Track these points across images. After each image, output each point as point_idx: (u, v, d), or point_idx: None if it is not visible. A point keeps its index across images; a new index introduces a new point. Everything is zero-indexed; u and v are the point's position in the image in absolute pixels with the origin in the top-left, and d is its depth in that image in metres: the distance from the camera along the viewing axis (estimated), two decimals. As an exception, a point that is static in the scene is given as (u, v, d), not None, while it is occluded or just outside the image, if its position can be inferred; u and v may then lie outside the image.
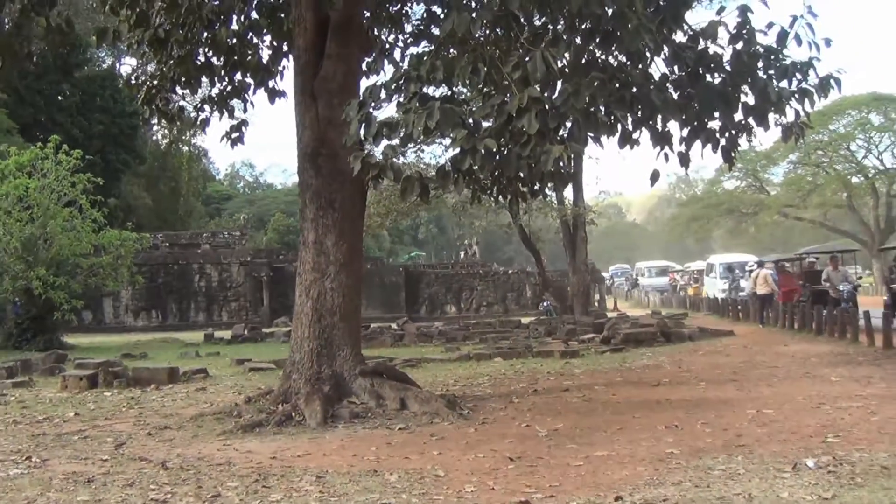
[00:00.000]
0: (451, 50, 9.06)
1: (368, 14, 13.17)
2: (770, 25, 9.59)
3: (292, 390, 11.55)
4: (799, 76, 9.78)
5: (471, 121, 8.87)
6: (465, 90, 11.02)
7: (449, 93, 9.81)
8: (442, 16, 9.72)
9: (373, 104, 9.10)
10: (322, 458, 9.01)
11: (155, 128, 56.38)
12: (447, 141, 13.39)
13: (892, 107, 52.02)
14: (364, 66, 12.64)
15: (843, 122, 52.39)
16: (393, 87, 9.19)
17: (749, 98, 10.01)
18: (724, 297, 36.78)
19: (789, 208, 54.99)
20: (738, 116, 10.17)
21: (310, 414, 10.90)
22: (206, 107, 14.44)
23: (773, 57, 9.84)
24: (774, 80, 9.85)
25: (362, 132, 9.09)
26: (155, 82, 13.73)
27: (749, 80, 9.92)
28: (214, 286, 38.56)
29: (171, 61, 13.20)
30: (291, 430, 10.60)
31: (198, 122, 14.81)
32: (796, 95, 9.81)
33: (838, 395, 12.22)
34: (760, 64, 9.88)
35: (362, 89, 10.24)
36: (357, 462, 8.77)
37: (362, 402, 11.45)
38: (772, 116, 10.05)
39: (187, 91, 15.01)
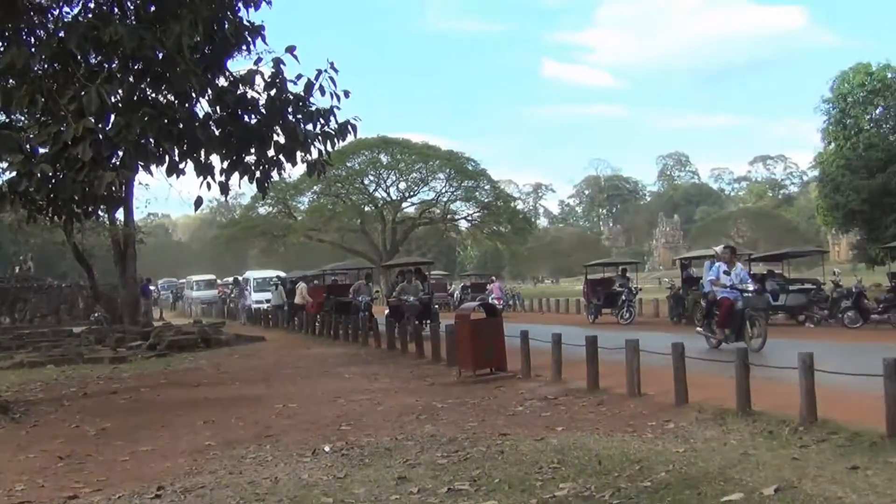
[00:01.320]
0: (10, 80, 8.90)
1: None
2: (299, 76, 10.27)
3: None
4: (322, 121, 10.50)
5: (28, 147, 8.88)
6: (22, 118, 10.92)
7: (7, 120, 9.70)
8: (1, 48, 9.55)
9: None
10: None
11: None
12: (4, 164, 12.99)
13: (397, 149, 58.12)
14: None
15: (359, 160, 57.30)
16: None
17: (280, 137, 10.66)
18: (258, 308, 38.36)
19: (313, 231, 58.62)
20: (271, 153, 10.78)
21: None
22: None
23: (301, 103, 10.53)
24: (302, 124, 10.57)
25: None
26: None
27: (280, 122, 10.56)
28: None
29: None
30: None
31: None
32: (320, 137, 10.59)
33: (351, 390, 13.52)
34: (290, 109, 10.56)
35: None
36: None
37: None
38: (299, 154, 10.76)
39: None
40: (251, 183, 10.96)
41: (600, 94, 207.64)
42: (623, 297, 27.82)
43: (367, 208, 59.61)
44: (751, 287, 16.60)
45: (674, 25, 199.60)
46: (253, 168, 10.85)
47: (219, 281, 56.92)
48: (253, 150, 10.71)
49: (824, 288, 24.35)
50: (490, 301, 24.51)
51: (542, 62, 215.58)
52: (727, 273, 16.38)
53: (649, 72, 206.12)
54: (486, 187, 61.61)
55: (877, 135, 38.14)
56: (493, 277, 44.52)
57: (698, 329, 17.66)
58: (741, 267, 17.36)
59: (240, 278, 46.96)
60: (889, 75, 38.68)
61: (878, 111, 39.25)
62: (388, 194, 59.96)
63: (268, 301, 37.78)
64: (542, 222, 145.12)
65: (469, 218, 62.62)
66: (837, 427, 7.86)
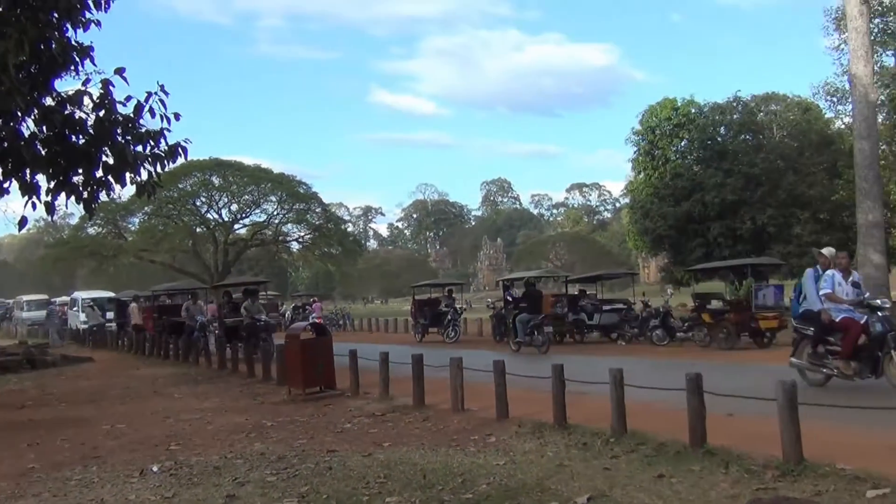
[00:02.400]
0: None
1: None
2: (129, 98, 10.04)
3: None
4: (152, 142, 10.27)
5: None
6: None
7: None
8: None
9: None
10: None
11: None
12: None
13: (229, 171, 56.94)
14: None
15: (190, 182, 55.59)
16: None
17: (109, 158, 10.35)
18: (87, 328, 36.65)
19: (144, 252, 56.39)
20: (99, 173, 10.45)
21: None
22: None
23: (130, 125, 10.25)
24: (131, 145, 10.28)
25: None
26: None
27: (109, 143, 10.24)
28: None
29: None
30: None
31: None
32: (150, 158, 10.34)
33: (181, 409, 13.27)
34: (119, 130, 10.26)
35: None
36: None
37: None
38: (128, 175, 10.46)
39: None
40: (78, 203, 10.65)
41: (426, 122, 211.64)
42: (449, 317, 28.32)
43: (198, 229, 58.01)
44: (886, 304, 12.03)
45: (495, 58, 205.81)
46: (80, 188, 10.54)
47: (58, 300, 54.06)
48: (80, 171, 10.41)
49: (634, 308, 25.65)
50: (311, 320, 24.42)
51: (371, 89, 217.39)
52: (842, 284, 11.96)
53: (472, 101, 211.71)
54: (318, 210, 61.23)
55: (682, 165, 39.91)
56: (315, 298, 44.21)
57: (795, 360, 12.62)
58: (858, 275, 12.80)
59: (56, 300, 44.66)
60: (693, 110, 40.65)
61: (683, 143, 40.99)
62: (220, 216, 58.53)
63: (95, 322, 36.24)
64: (372, 244, 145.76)
65: (300, 240, 61.99)
66: (645, 438, 8.30)
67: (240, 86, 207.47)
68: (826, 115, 41.50)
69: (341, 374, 14.44)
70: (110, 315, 37.16)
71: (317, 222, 60.27)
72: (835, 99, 39.05)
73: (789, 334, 21.31)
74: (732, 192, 37.39)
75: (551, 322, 24.20)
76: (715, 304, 22.37)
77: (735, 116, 41.25)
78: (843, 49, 36.82)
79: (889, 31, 37.00)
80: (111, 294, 41.77)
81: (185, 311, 26.16)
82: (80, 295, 44.62)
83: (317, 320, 27.85)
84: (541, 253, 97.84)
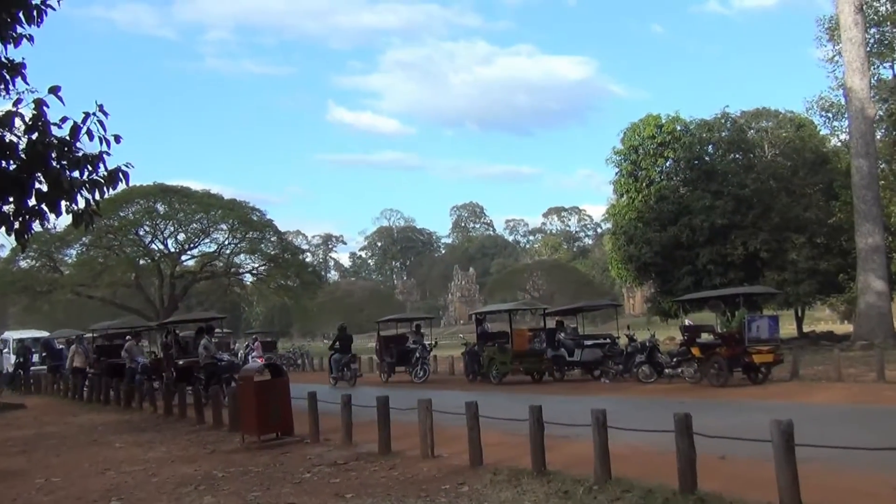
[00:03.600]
0: None
1: None
2: (64, 119, 9.77)
3: None
4: (90, 167, 10.03)
5: None
6: None
7: None
8: None
9: None
10: None
11: None
12: None
13: (176, 197, 56.70)
14: None
15: (133, 210, 55.31)
16: None
17: (43, 185, 10.12)
18: (18, 372, 36.09)
19: (82, 287, 55.85)
20: (32, 202, 10.18)
21: None
22: None
23: (66, 148, 10.00)
24: (67, 170, 10.03)
25: None
26: None
27: (43, 168, 10.00)
28: None
29: None
30: None
31: None
32: (87, 185, 10.09)
33: (123, 460, 13.14)
34: (54, 154, 10.01)
35: None
36: None
37: None
38: (63, 203, 10.22)
39: None
40: (9, 235, 10.37)
41: (390, 141, 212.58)
42: (417, 354, 28.28)
43: (142, 261, 57.66)
44: None
45: (462, 71, 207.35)
46: (11, 218, 10.32)
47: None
48: (11, 199, 10.23)
49: (619, 342, 25.76)
50: (251, 360, 24.26)
51: (329, 107, 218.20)
52: None
53: (439, 118, 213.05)
54: (273, 239, 61.21)
55: (668, 187, 40.06)
56: (256, 336, 43.72)
57: None
58: None
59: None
60: (678, 127, 40.92)
61: (668, 163, 41.17)
62: (166, 246, 58.30)
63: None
64: (333, 276, 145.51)
65: (254, 271, 61.87)
66: (631, 485, 8.32)
67: (186, 105, 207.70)
68: (821, 132, 42.25)
69: (300, 418, 14.36)
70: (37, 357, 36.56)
71: (272, 252, 60.12)
72: (830, 114, 39.82)
73: (786, 369, 21.65)
74: (722, 216, 37.74)
75: (528, 359, 24.32)
76: (705, 337, 22.54)
77: (724, 134, 41.74)
78: (837, 61, 37.54)
79: (886, 42, 37.66)
80: (44, 333, 41.16)
81: (126, 353, 25.83)
82: (12, 335, 43.96)
83: (258, 360, 27.74)
84: (517, 283, 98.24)
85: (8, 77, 9.98)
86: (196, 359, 21.96)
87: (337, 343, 29.32)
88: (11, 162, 10.18)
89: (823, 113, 40.35)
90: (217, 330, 28.56)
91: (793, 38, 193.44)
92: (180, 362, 22.59)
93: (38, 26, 10.21)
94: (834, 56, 38.63)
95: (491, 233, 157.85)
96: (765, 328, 21.43)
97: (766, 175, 39.35)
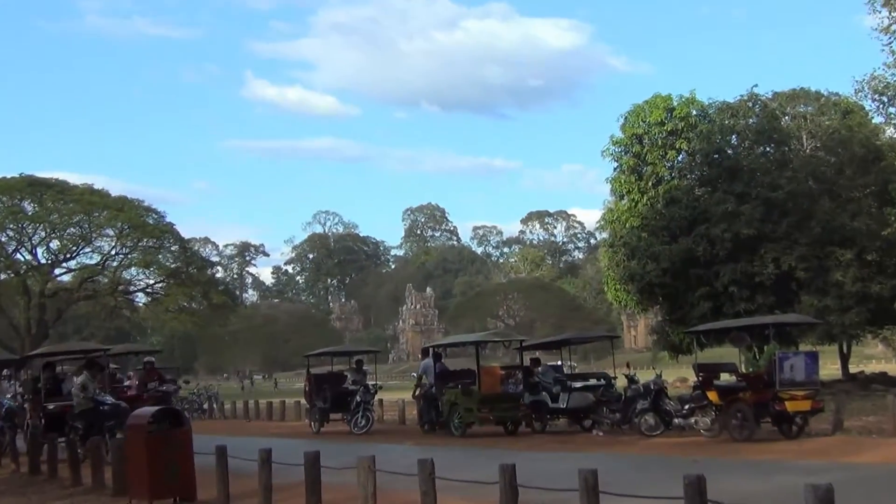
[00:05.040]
0: None
1: None
2: None
3: None
4: None
5: None
6: None
7: None
8: None
9: None
10: None
11: None
12: None
13: (48, 194, 55.96)
14: None
15: (-10, 209, 54.75)
16: None
17: None
18: None
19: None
20: None
21: None
22: None
23: None
24: None
25: None
26: None
27: None
28: None
29: None
30: None
31: None
32: None
33: None
34: None
35: None
36: None
37: None
38: None
39: None
40: None
41: (325, 124, 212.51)
42: (358, 398, 28.17)
43: (3, 275, 57.11)
44: None
45: (417, 38, 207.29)
46: None
47: None
48: None
49: (615, 384, 25.84)
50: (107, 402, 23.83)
51: (246, 79, 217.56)
52: None
53: (388, 96, 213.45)
54: (173, 248, 61.06)
55: (680, 187, 40.02)
56: (130, 373, 43.16)
57: None
58: None
59: None
60: (694, 112, 40.96)
61: (680, 157, 41.21)
62: (35, 256, 57.88)
63: None
64: (251, 296, 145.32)
65: (149, 290, 61.62)
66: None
67: (62, 76, 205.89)
68: (873, 120, 42.42)
69: (205, 479, 14.27)
70: None
71: (172, 265, 59.92)
72: (885, 98, 40.07)
73: (827, 419, 21.84)
74: (748, 225, 37.80)
75: (499, 404, 24.32)
76: (725, 378, 22.68)
77: (751, 121, 42.03)
78: (894, 31, 37.89)
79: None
80: None
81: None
82: None
83: (129, 394, 27.04)
84: (488, 307, 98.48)
85: None
86: (70, 402, 21.69)
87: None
88: None
89: (876, 96, 40.57)
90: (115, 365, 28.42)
91: (838, 2, 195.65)
92: (50, 406, 22.34)
93: None
94: (890, 25, 39.06)
95: (454, 243, 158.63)
96: (801, 368, 21.56)
97: (805, 173, 39.60)
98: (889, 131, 42.09)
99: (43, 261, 58.21)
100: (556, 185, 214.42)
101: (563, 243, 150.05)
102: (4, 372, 29.15)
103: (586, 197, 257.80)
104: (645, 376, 25.13)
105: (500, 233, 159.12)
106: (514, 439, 24.21)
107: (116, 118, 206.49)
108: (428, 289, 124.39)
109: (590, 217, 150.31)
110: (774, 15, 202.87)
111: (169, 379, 29.01)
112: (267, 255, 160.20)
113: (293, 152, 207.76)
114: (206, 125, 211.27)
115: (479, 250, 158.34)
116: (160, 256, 60.06)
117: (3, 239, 56.74)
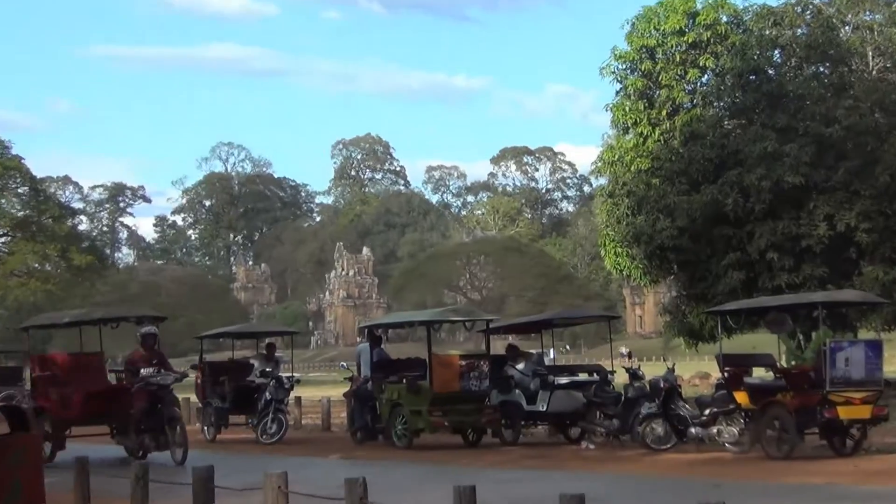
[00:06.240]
0: None
1: None
2: None
3: None
4: None
5: None
6: None
7: None
8: None
9: None
10: None
11: None
12: None
13: None
14: None
15: None
16: None
17: None
18: None
19: None
20: None
21: None
22: None
23: None
24: None
25: None
26: None
27: None
28: None
29: None
30: None
31: None
32: None
33: None
34: None
35: None
36: None
37: None
38: None
39: None
40: None
41: (228, 27, 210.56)
42: (267, 396, 28.12)
43: None
44: None
45: None
46: None
47: None
48: None
49: (612, 381, 25.90)
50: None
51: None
52: None
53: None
54: (21, 190, 60.94)
55: (704, 118, 40.11)
56: None
57: None
58: None
59: None
60: (723, 18, 40.89)
61: (705, 78, 41.41)
62: None
63: None
64: (126, 255, 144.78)
65: (-13, 244, 61.46)
66: None
67: None
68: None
69: (60, 500, 14.23)
70: None
71: (19, 213, 59.68)
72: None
73: (893, 430, 22.01)
74: (794, 170, 37.84)
75: (458, 406, 24.34)
76: (759, 375, 22.79)
77: (800, 32, 42.09)
78: None
79: None
80: None
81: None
82: None
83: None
84: (445, 274, 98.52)
85: None
86: None
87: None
88: None
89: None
90: None
91: None
92: None
93: None
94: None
95: (401, 188, 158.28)
96: (859, 362, 21.56)
97: (870, 103, 39.62)
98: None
99: None
100: (537, 113, 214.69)
101: (548, 191, 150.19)
102: None
103: (578, 130, 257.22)
104: (653, 370, 25.25)
105: (462, 175, 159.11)
106: (477, 453, 24.27)
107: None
108: (365, 249, 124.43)
109: (583, 157, 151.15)
110: None
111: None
112: (148, 200, 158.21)
113: (185, 63, 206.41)
114: (66, 26, 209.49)
115: (435, 198, 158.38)
116: (2, 201, 59.95)
117: None
